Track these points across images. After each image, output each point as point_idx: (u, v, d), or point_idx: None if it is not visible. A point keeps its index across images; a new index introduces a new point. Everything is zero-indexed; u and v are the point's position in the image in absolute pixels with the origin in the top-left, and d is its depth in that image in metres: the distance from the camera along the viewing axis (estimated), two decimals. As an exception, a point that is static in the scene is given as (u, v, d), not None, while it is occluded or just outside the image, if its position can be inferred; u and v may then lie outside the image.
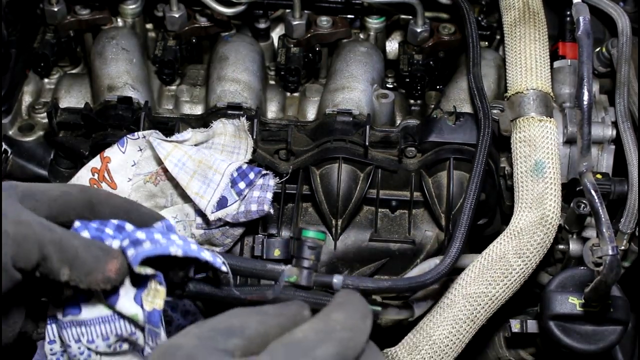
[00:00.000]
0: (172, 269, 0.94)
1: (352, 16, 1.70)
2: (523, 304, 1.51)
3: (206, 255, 0.93)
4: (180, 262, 0.92)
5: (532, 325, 1.37)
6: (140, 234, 0.91)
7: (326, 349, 0.78)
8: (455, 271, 1.37)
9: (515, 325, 1.38)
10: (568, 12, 1.62)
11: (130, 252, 0.89)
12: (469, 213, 1.25)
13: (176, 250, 0.90)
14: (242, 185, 1.32)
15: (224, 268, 0.95)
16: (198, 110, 1.59)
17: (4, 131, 1.55)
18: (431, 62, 1.63)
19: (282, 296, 1.01)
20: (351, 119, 1.46)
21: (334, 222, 1.43)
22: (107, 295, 0.92)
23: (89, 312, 0.94)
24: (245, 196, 1.33)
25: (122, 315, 0.93)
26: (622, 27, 1.50)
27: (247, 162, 1.37)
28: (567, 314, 1.27)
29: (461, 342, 1.27)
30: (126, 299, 0.92)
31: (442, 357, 1.26)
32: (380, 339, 1.48)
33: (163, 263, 0.91)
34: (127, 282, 0.92)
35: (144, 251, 0.88)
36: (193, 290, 0.98)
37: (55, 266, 0.84)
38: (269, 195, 1.33)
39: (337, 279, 1.06)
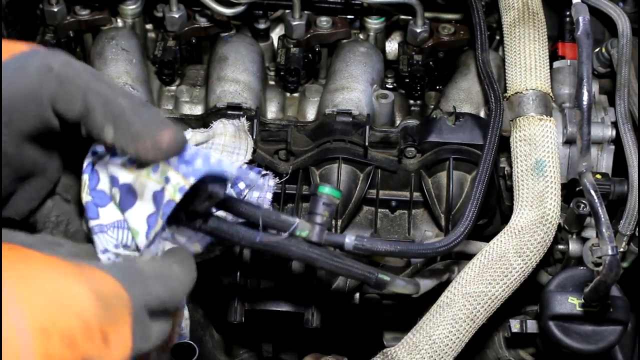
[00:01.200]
0: (198, 196, 0.86)
1: (352, 16, 1.70)
2: (522, 304, 1.51)
3: (253, 175, 0.87)
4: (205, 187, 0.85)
5: (531, 325, 1.37)
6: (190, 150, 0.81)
7: (157, 287, 0.75)
8: (460, 256, 1.37)
9: (514, 325, 1.38)
10: (567, 13, 1.62)
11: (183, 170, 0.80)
12: (482, 183, 1.24)
13: (231, 170, 0.82)
14: (242, 185, 1.32)
15: (265, 185, 0.89)
16: (198, 110, 1.59)
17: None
18: (431, 63, 1.63)
19: (294, 249, 0.99)
20: (351, 119, 1.46)
21: (333, 222, 1.43)
22: (123, 199, 0.83)
23: (106, 217, 0.85)
24: (245, 197, 1.33)
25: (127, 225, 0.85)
26: (622, 28, 1.50)
27: (247, 163, 1.37)
28: (566, 314, 1.27)
29: (461, 342, 1.27)
30: (139, 211, 0.83)
31: (442, 357, 1.26)
32: (380, 338, 1.49)
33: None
34: (150, 195, 0.83)
35: (198, 170, 0.79)
36: (211, 226, 0.91)
37: (98, 121, 0.74)
38: (269, 196, 1.33)
39: (348, 239, 1.05)
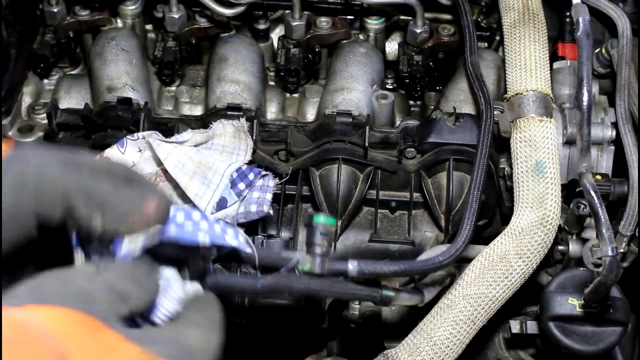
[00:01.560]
0: (193, 257, 0.87)
1: (352, 17, 1.70)
2: (522, 305, 1.51)
3: (230, 239, 0.87)
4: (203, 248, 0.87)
5: (531, 326, 1.37)
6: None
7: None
8: (459, 260, 1.37)
9: (514, 326, 1.38)
10: (567, 13, 1.62)
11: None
12: (477, 188, 1.24)
13: (204, 237, 0.83)
14: (241, 186, 1.32)
15: (248, 250, 0.90)
16: (198, 111, 1.59)
17: (3, 132, 1.55)
18: (431, 63, 1.63)
19: (296, 284, 1.00)
20: (351, 119, 1.46)
21: (337, 222, 1.42)
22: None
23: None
24: (244, 197, 1.33)
25: None
26: (622, 28, 1.50)
27: (246, 163, 1.37)
28: (566, 315, 1.27)
29: (462, 343, 1.27)
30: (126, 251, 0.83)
31: (443, 358, 1.26)
32: (381, 340, 1.49)
33: (183, 248, 0.85)
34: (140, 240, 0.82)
35: (168, 235, 0.80)
36: (211, 284, 0.91)
37: (83, 215, 0.75)
38: (269, 196, 1.32)
39: (351, 265, 1.05)
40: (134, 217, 0.77)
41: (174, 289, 0.83)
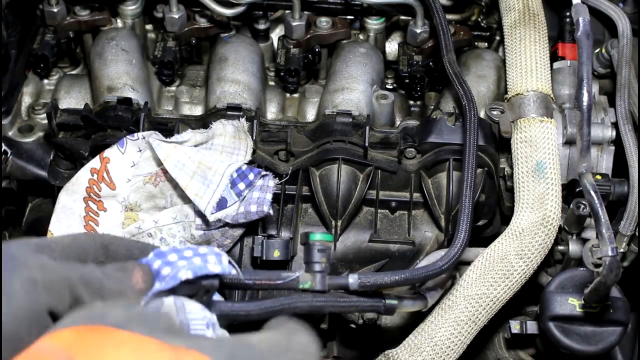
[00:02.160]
0: (196, 294, 0.89)
1: (352, 17, 1.70)
2: (522, 305, 1.51)
3: (212, 266, 0.88)
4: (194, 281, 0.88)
5: (531, 326, 1.37)
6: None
7: None
8: (459, 263, 1.37)
9: (514, 326, 1.38)
10: (567, 13, 1.62)
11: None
12: (469, 188, 1.24)
13: (185, 274, 0.86)
14: (241, 186, 1.32)
15: (233, 272, 0.91)
16: (198, 111, 1.59)
17: (3, 132, 1.55)
18: (431, 63, 1.63)
19: (300, 304, 1.00)
20: (351, 119, 1.46)
21: (333, 223, 1.43)
22: None
23: None
24: (244, 197, 1.32)
25: None
26: (622, 28, 1.50)
27: (246, 163, 1.36)
28: (566, 315, 1.27)
29: (462, 344, 1.27)
30: None
31: (444, 359, 1.26)
32: (382, 340, 1.49)
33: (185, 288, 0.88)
34: None
35: (152, 292, 0.85)
36: (217, 312, 0.93)
37: (87, 302, 0.80)
38: (269, 196, 1.32)
39: (352, 279, 1.06)
40: (127, 292, 0.84)
41: (192, 310, 0.86)
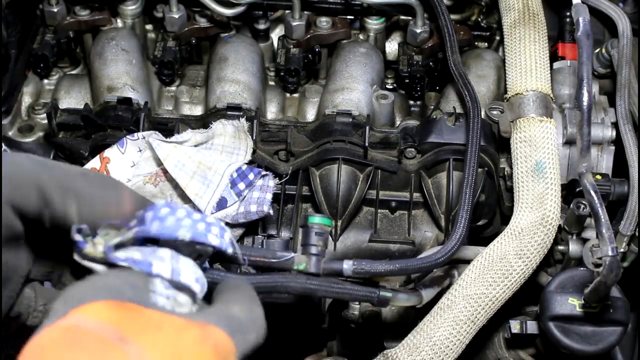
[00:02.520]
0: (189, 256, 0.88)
1: (352, 17, 1.70)
2: (522, 305, 1.51)
3: (212, 238, 0.87)
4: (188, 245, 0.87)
5: (531, 326, 1.37)
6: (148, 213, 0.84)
7: (252, 335, 0.79)
8: (457, 261, 1.37)
9: (514, 326, 1.38)
10: (568, 13, 1.62)
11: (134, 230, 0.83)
12: (469, 186, 1.24)
13: (185, 234, 0.84)
14: (241, 186, 1.32)
15: (230, 250, 0.89)
16: (198, 111, 1.59)
17: (3, 132, 1.55)
18: (431, 63, 1.63)
19: (293, 283, 1.00)
20: (351, 119, 1.46)
21: (333, 222, 1.43)
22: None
23: None
24: (244, 197, 1.32)
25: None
26: (623, 28, 1.50)
27: (246, 163, 1.36)
28: (566, 315, 1.27)
29: (461, 343, 1.27)
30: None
31: (443, 358, 1.26)
32: (381, 340, 1.49)
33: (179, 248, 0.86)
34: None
35: (148, 230, 0.82)
36: (208, 280, 0.90)
37: (58, 206, 0.78)
38: (269, 197, 1.32)
39: (347, 265, 1.05)
40: (110, 208, 0.81)
41: (184, 263, 0.85)
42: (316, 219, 1.06)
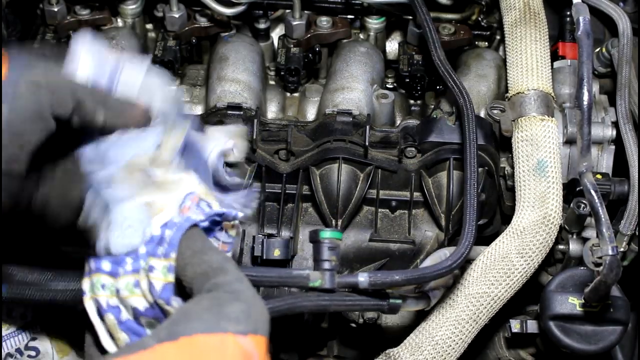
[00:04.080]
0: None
1: (352, 16, 1.70)
2: (523, 304, 1.51)
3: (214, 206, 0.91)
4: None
5: (532, 326, 1.37)
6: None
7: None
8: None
9: (515, 325, 1.38)
10: (568, 13, 1.62)
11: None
12: (473, 187, 1.24)
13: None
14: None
15: (240, 214, 0.93)
16: (198, 110, 1.59)
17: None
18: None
19: (305, 303, 1.01)
20: (351, 119, 1.46)
21: (333, 222, 1.43)
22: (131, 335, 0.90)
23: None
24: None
25: None
26: (623, 28, 1.50)
27: (247, 160, 1.35)
28: (567, 314, 1.27)
29: (463, 342, 1.27)
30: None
31: (445, 358, 1.26)
32: (383, 339, 1.49)
33: None
34: (144, 306, 0.89)
35: (172, 243, 0.86)
36: None
37: (89, 108, 0.89)
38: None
39: (362, 277, 1.05)
40: (131, 112, 0.94)
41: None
42: (327, 234, 1.06)
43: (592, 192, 1.19)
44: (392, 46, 1.75)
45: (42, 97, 0.85)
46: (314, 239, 1.07)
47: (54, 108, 0.86)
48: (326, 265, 1.04)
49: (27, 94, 0.84)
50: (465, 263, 1.36)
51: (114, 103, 0.92)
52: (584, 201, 1.33)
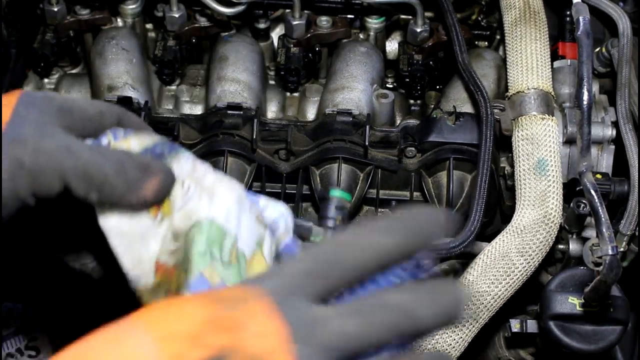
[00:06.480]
0: None
1: (352, 16, 1.70)
2: (522, 304, 1.51)
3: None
4: None
5: (531, 325, 1.37)
6: None
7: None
8: (464, 256, 1.37)
9: (515, 325, 1.38)
10: (568, 12, 1.62)
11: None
12: (484, 183, 1.24)
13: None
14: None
15: None
16: (198, 110, 1.59)
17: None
18: (431, 62, 1.63)
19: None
20: (351, 119, 1.46)
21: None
22: None
23: None
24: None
25: None
26: (623, 28, 1.50)
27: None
28: (566, 314, 1.27)
29: (464, 342, 1.27)
30: None
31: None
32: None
33: None
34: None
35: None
36: None
37: (80, 192, 0.78)
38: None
39: None
40: (130, 197, 0.79)
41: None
42: (337, 193, 1.04)
43: (592, 192, 1.19)
44: (392, 46, 1.75)
45: (21, 180, 0.76)
46: (322, 196, 1.04)
47: (35, 190, 0.77)
48: (330, 223, 1.01)
49: (4, 175, 0.76)
50: (466, 261, 1.36)
51: (111, 188, 0.78)
52: (583, 201, 1.33)
